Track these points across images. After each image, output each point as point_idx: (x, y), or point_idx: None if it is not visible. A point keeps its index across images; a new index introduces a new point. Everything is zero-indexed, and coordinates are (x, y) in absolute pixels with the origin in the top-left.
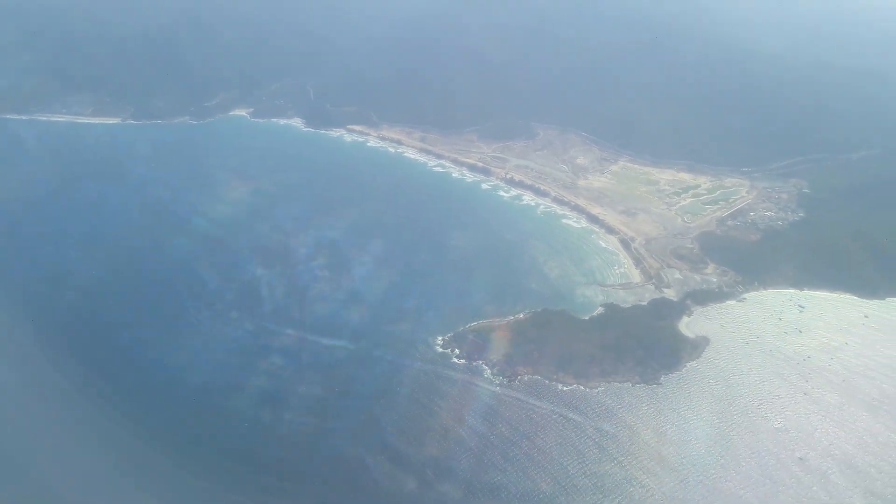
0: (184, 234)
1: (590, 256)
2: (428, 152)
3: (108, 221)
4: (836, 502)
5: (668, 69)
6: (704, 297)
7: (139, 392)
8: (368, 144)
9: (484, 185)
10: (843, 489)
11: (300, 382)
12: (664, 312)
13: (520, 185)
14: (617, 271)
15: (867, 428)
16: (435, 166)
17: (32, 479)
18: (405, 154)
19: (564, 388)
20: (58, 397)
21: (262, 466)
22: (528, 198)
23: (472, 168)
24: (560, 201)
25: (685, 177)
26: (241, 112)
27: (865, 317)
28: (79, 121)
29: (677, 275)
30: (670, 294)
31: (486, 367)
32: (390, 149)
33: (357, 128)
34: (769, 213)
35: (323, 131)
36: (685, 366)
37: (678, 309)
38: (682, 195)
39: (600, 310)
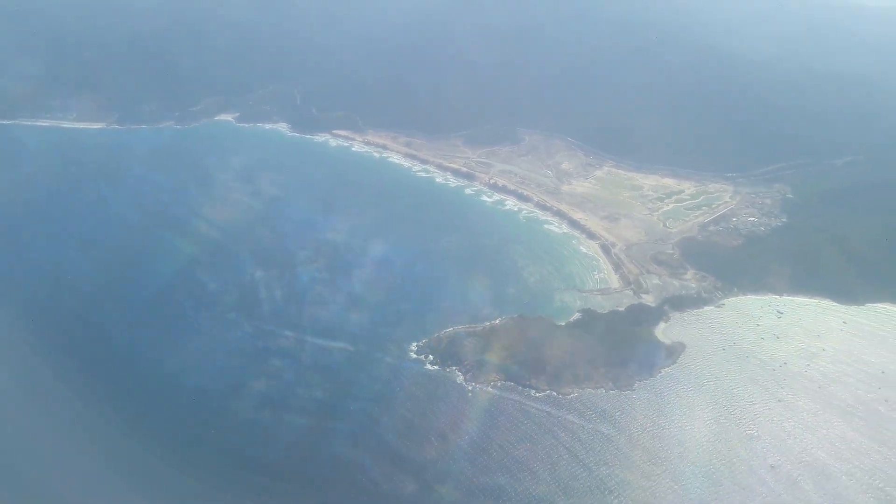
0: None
1: (569, 262)
2: (412, 157)
3: (91, 225)
4: None
5: (656, 75)
6: (682, 302)
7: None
8: (353, 149)
9: (467, 190)
10: (814, 496)
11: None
12: (641, 318)
13: (503, 190)
14: (596, 277)
15: (841, 434)
16: (419, 171)
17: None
18: (389, 159)
19: (537, 395)
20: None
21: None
22: (511, 203)
23: (457, 173)
24: (542, 206)
25: (669, 182)
26: (227, 117)
27: (844, 323)
28: (63, 126)
29: (656, 280)
30: (648, 300)
31: (458, 373)
32: (375, 153)
33: (342, 132)
34: (752, 219)
35: (308, 136)
36: (660, 372)
37: (655, 315)
38: (666, 200)
39: (577, 315)
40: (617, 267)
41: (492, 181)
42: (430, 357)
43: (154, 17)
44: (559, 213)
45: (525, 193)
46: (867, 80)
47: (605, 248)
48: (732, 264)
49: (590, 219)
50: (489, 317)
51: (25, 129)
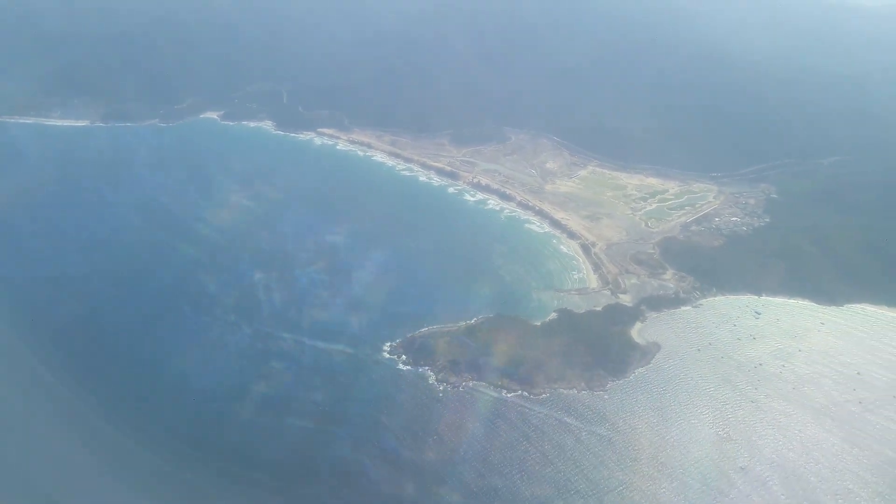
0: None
1: (548, 261)
2: (397, 156)
3: (72, 222)
4: None
5: (644, 74)
6: (660, 302)
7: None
8: (338, 147)
9: (450, 189)
10: (782, 498)
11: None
12: (617, 318)
13: (486, 189)
14: (575, 276)
15: (813, 436)
16: (403, 170)
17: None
18: (373, 157)
19: (508, 395)
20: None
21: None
22: (494, 202)
23: (440, 172)
24: (525, 206)
25: (654, 182)
26: (212, 115)
27: (822, 323)
28: (46, 123)
29: (634, 280)
30: (626, 300)
31: (430, 373)
32: (359, 152)
33: (328, 131)
34: (735, 219)
35: (292, 134)
36: (633, 372)
37: (632, 315)
38: (649, 200)
39: (553, 315)
40: (596, 267)
41: (475, 180)
42: (404, 357)
43: (141, 15)
44: (541, 213)
45: (508, 193)
46: (857, 78)
47: (586, 248)
48: (712, 264)
49: (571, 218)
50: (465, 316)
51: (8, 126)
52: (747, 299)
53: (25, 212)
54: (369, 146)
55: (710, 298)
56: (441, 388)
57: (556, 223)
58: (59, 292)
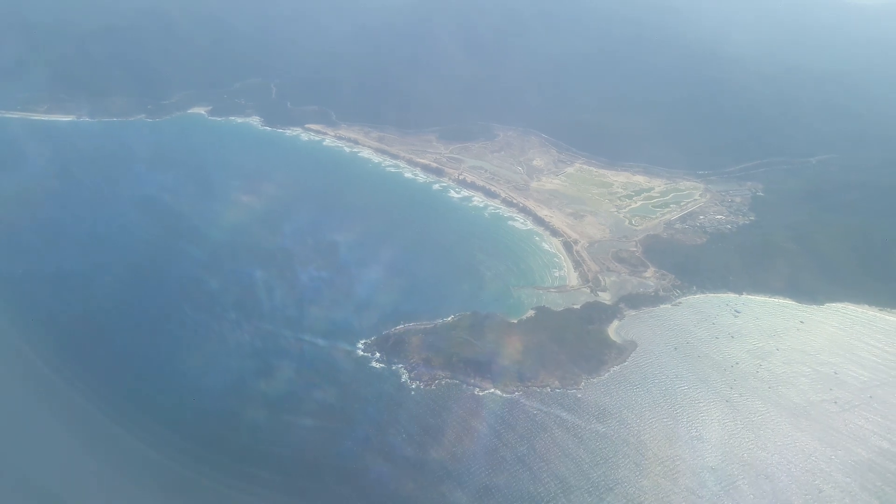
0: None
1: (529, 258)
2: (383, 152)
3: (52, 215)
4: None
5: (633, 72)
6: (639, 300)
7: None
8: (324, 143)
9: (435, 186)
10: (750, 497)
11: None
12: (595, 316)
13: (471, 186)
14: (556, 274)
15: (786, 436)
16: (388, 166)
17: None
18: (360, 153)
19: (480, 393)
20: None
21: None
22: (478, 199)
23: (426, 168)
24: (509, 203)
25: (640, 179)
26: (200, 110)
27: (801, 322)
28: (32, 118)
29: (614, 278)
30: (605, 298)
31: (403, 371)
32: (346, 148)
33: (315, 126)
34: (719, 217)
35: (279, 130)
36: (608, 371)
37: (610, 313)
38: (634, 198)
39: (531, 313)
40: (577, 264)
41: (461, 177)
42: (378, 355)
43: (130, 11)
44: (525, 210)
45: (493, 189)
46: (847, 78)
47: (568, 245)
48: (694, 262)
49: (555, 215)
50: (442, 314)
51: None
52: (727, 297)
53: (13, 206)
54: (356, 142)
55: (691, 296)
56: (413, 386)
57: (539, 220)
58: (48, 287)
